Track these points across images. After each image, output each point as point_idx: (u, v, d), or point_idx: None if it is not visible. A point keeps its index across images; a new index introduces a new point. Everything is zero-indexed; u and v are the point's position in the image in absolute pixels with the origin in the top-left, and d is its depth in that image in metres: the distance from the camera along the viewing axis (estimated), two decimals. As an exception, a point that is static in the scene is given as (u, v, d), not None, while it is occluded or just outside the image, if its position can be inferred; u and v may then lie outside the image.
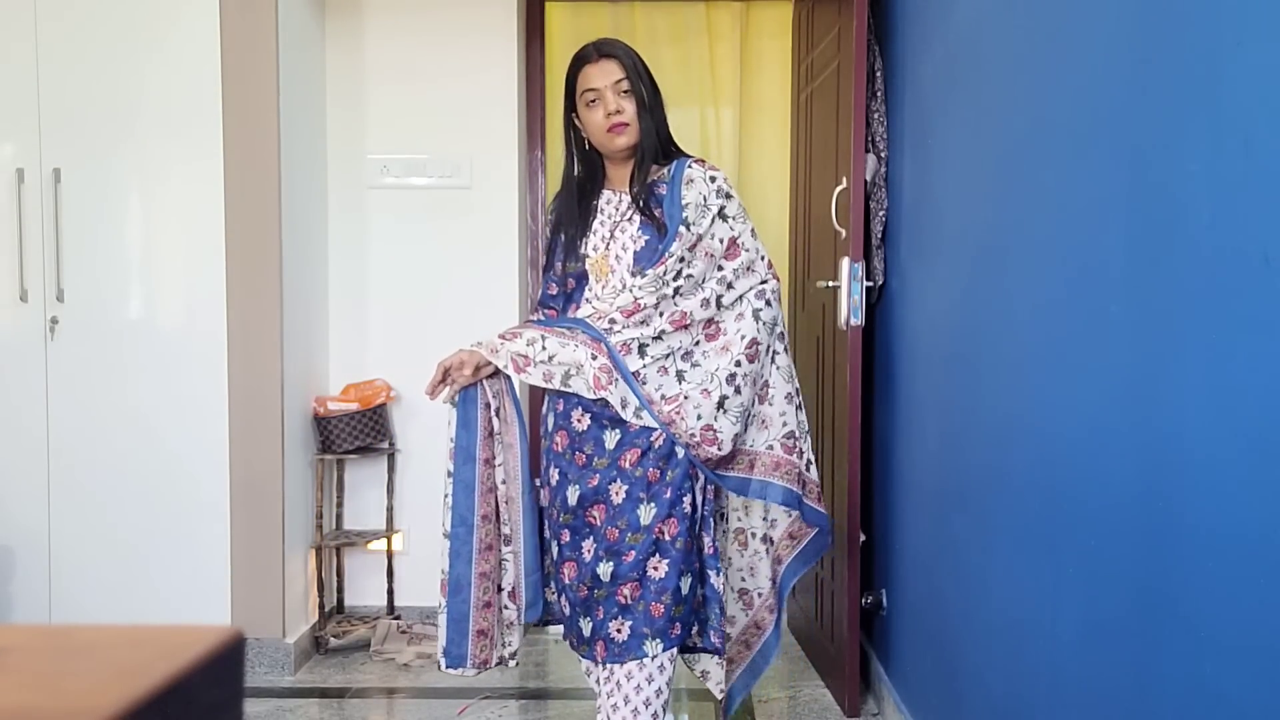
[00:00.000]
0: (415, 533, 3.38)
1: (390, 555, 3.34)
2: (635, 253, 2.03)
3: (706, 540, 2.05)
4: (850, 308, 2.54)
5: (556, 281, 2.16)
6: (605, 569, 1.98)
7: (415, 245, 3.36)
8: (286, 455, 2.96)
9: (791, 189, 3.33)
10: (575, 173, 2.13)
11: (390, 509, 3.33)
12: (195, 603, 2.92)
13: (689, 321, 2.01)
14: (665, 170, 2.08)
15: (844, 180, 2.59)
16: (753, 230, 2.09)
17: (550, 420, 2.08)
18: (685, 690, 2.83)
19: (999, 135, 1.80)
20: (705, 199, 2.03)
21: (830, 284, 2.69)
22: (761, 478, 2.08)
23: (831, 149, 2.75)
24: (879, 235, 2.62)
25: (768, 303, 2.06)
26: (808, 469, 2.12)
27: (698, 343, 2.03)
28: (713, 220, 2.03)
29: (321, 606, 3.21)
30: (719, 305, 2.04)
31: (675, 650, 2.01)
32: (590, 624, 2.00)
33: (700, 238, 2.02)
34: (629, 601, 1.96)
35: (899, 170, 2.53)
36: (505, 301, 3.38)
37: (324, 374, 3.34)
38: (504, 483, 2.07)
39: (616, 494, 1.99)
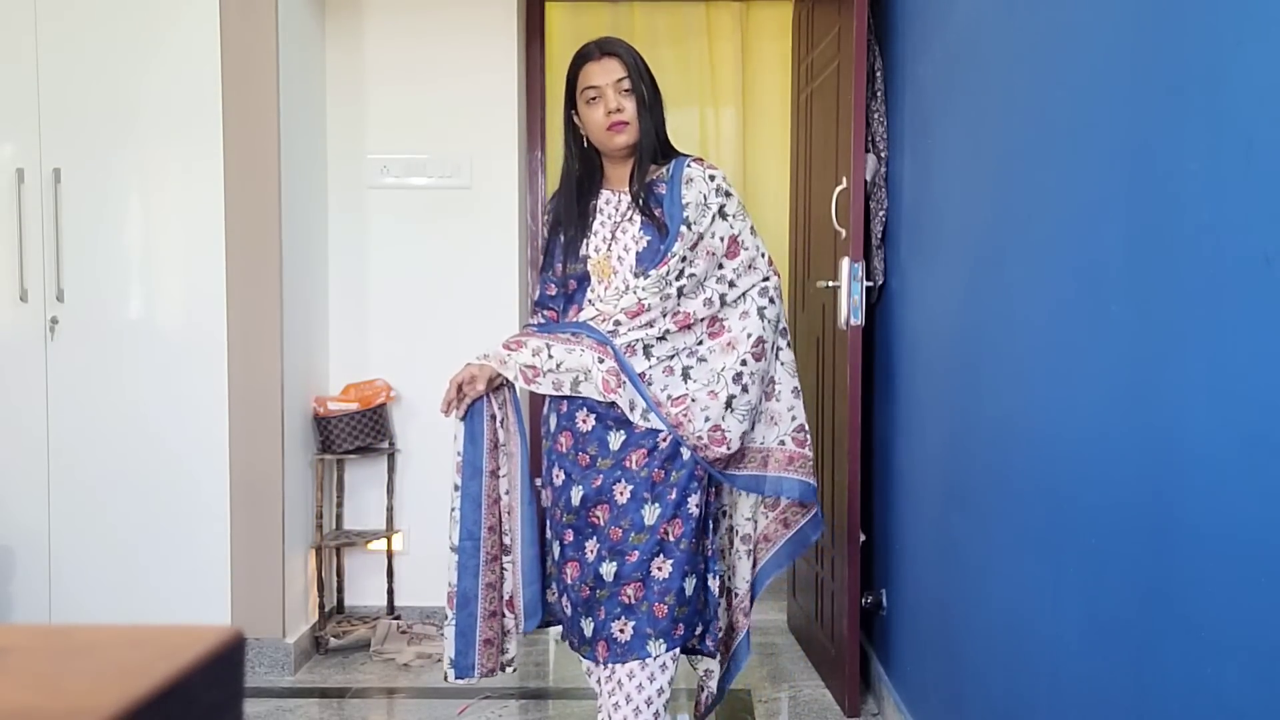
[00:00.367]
0: (415, 533, 3.38)
1: (390, 555, 3.34)
2: (638, 254, 2.03)
3: (707, 542, 2.05)
4: (850, 308, 2.54)
5: (556, 282, 2.15)
6: (608, 569, 1.97)
7: (415, 245, 3.36)
8: (286, 455, 2.96)
9: (791, 189, 3.33)
10: (574, 172, 2.13)
11: (390, 509, 3.33)
12: (195, 603, 2.92)
13: (692, 321, 2.01)
14: (664, 170, 2.07)
15: (844, 180, 2.59)
16: (752, 228, 2.09)
17: (553, 421, 2.08)
18: (685, 690, 2.82)
19: (999, 135, 1.80)
20: (705, 197, 2.03)
21: (830, 284, 2.69)
22: (776, 474, 2.09)
23: (831, 149, 2.75)
24: (879, 235, 2.62)
25: (771, 300, 2.07)
26: None
27: (701, 341, 2.04)
28: (713, 219, 2.03)
29: (321, 606, 3.21)
30: (722, 303, 2.04)
31: (677, 650, 2.01)
32: (592, 624, 2.00)
33: (701, 236, 2.02)
34: (632, 601, 1.96)
35: (899, 170, 2.53)
36: (505, 301, 3.38)
37: (324, 374, 3.34)
38: (507, 493, 2.08)
39: (621, 494, 1.98)
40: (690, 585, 1.99)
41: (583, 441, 2.02)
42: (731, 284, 2.05)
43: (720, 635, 2.13)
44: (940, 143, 2.18)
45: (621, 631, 1.97)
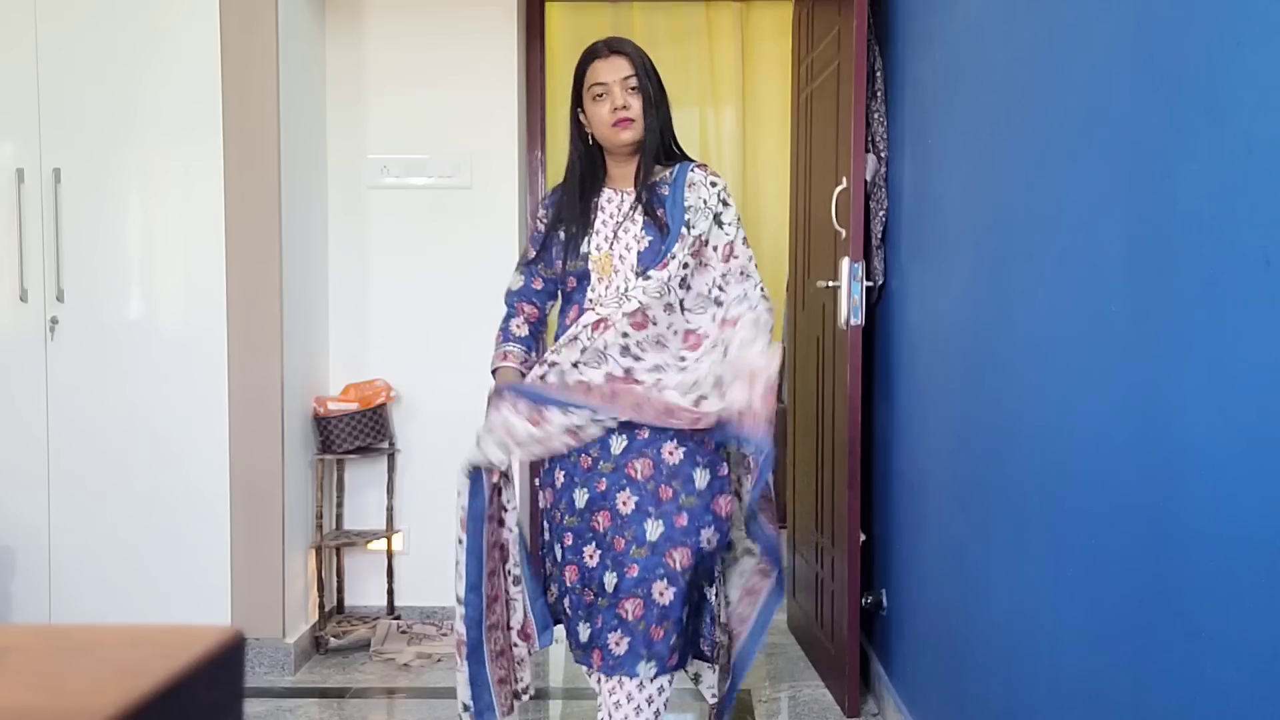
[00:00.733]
0: (415, 533, 3.38)
1: (390, 555, 3.34)
2: (639, 253, 2.03)
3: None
4: (850, 308, 2.54)
5: (547, 280, 2.15)
6: (610, 579, 1.97)
7: (415, 245, 3.36)
8: (286, 455, 2.96)
9: (791, 189, 3.33)
10: (578, 169, 2.13)
11: (390, 509, 3.33)
12: (195, 603, 2.92)
13: (701, 340, 2.02)
14: (668, 172, 2.08)
15: (844, 180, 2.59)
16: (744, 239, 2.11)
17: None
18: (688, 690, 2.82)
19: (999, 135, 1.80)
20: (705, 202, 2.04)
21: (830, 284, 2.69)
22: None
23: (831, 149, 2.75)
24: (879, 235, 2.62)
25: (764, 298, 2.09)
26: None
27: (683, 357, 2.05)
28: (710, 225, 2.04)
29: (321, 606, 3.21)
30: (718, 306, 2.06)
31: (673, 676, 2.01)
32: (589, 630, 2.00)
33: (702, 240, 2.02)
34: (630, 618, 1.95)
35: (899, 170, 2.53)
36: (505, 301, 3.38)
37: (324, 374, 3.34)
38: (513, 529, 2.11)
39: (624, 504, 1.97)
40: (687, 615, 2.00)
41: (583, 444, 2.02)
42: (721, 289, 2.06)
43: (715, 641, 2.13)
44: (940, 143, 2.18)
45: (616, 645, 1.96)
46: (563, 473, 2.05)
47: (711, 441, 2.02)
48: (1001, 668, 1.76)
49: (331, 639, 3.20)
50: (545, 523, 2.12)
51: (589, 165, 2.11)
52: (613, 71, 2.02)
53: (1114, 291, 1.32)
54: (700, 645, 2.08)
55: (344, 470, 3.36)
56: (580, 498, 2.01)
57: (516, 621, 2.13)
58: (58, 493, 2.93)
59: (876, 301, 2.69)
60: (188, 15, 2.86)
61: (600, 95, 2.02)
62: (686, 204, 2.02)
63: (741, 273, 2.07)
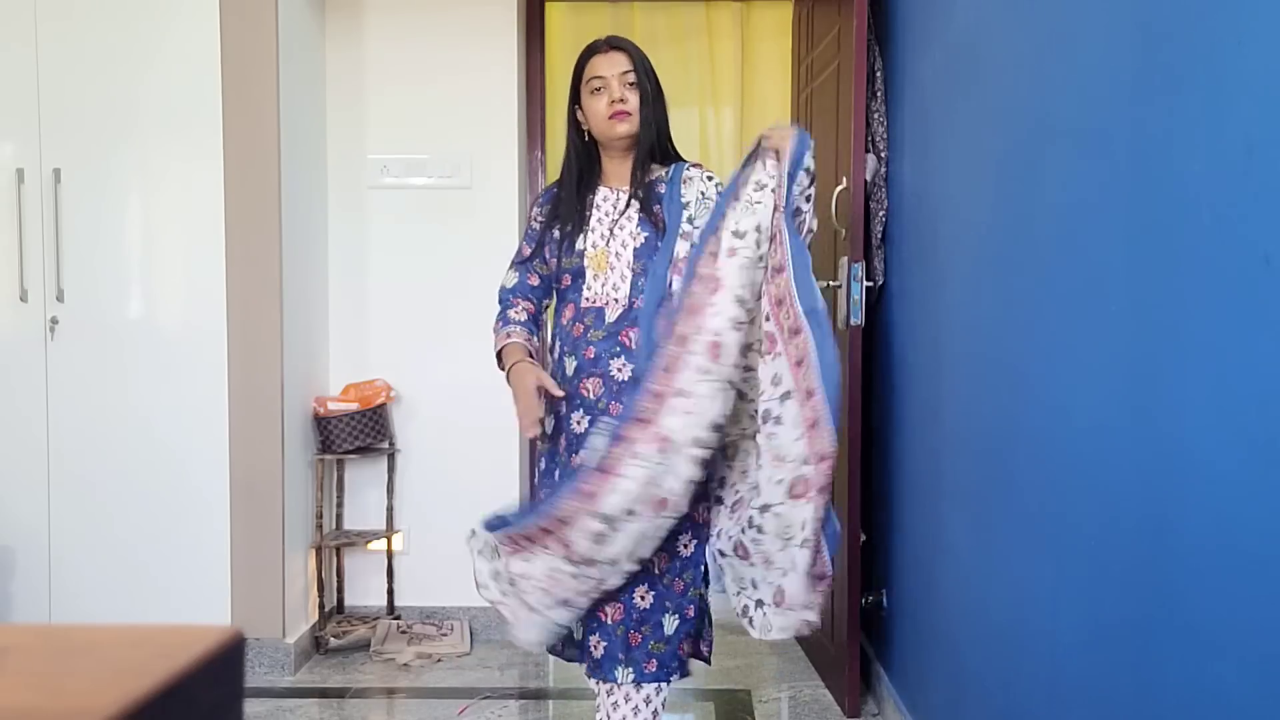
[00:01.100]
0: (415, 533, 3.38)
1: (390, 555, 3.34)
2: (635, 249, 2.03)
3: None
4: (850, 308, 2.54)
5: (543, 276, 2.14)
6: None
7: (415, 245, 3.36)
8: (286, 455, 2.96)
9: (791, 189, 3.32)
10: (574, 167, 2.13)
11: (390, 509, 3.33)
12: (195, 603, 2.92)
13: (720, 351, 1.92)
14: (664, 171, 2.08)
15: (844, 180, 2.59)
16: None
17: (548, 422, 2.05)
18: (691, 690, 2.82)
19: (999, 135, 1.80)
20: (704, 194, 2.05)
21: (830, 284, 2.69)
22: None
23: (831, 149, 2.75)
24: (879, 235, 2.62)
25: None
26: None
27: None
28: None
29: (321, 606, 3.21)
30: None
31: (668, 682, 1.99)
32: (582, 630, 2.01)
33: (711, 231, 2.01)
34: (609, 622, 1.95)
35: (899, 170, 2.53)
36: (505, 301, 3.37)
37: (324, 374, 3.34)
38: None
39: None
40: (671, 625, 1.97)
41: (576, 444, 2.01)
42: None
43: (712, 644, 2.11)
44: (940, 143, 2.18)
45: (595, 648, 1.97)
46: (559, 471, 2.05)
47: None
48: (1001, 668, 1.76)
49: (331, 639, 3.20)
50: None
51: (585, 163, 2.12)
52: (611, 66, 2.04)
53: (1114, 291, 1.32)
54: (701, 646, 2.07)
55: (344, 470, 3.36)
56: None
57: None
58: (58, 493, 2.93)
59: (876, 301, 2.69)
60: (188, 15, 2.86)
61: (598, 89, 2.04)
62: (685, 200, 2.02)
63: None
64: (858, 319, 2.55)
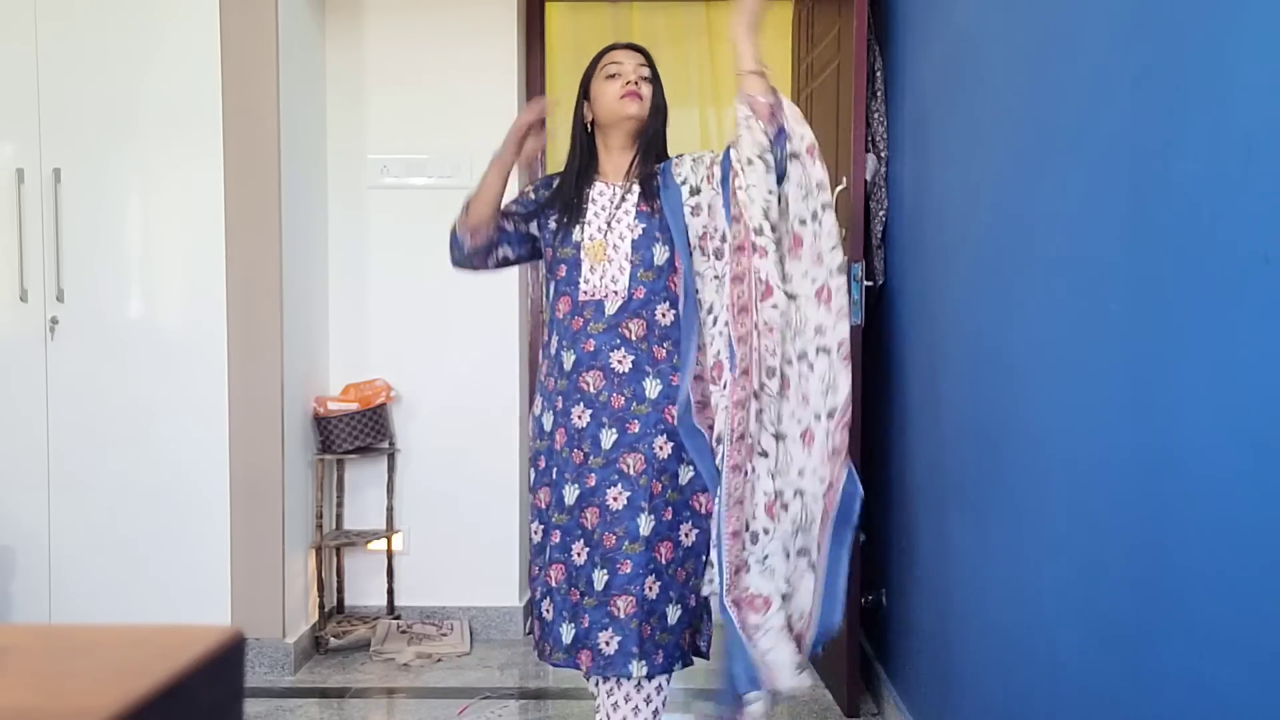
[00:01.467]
0: (415, 533, 3.38)
1: (390, 555, 3.34)
2: (633, 241, 2.04)
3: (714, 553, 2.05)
4: (850, 308, 2.53)
5: (514, 229, 2.21)
6: (600, 576, 1.96)
7: (415, 245, 3.36)
8: (286, 455, 2.96)
9: (791, 189, 3.32)
10: (575, 161, 2.15)
11: (390, 509, 3.33)
12: (195, 603, 2.92)
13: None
14: (657, 168, 2.11)
15: (844, 180, 2.59)
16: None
17: (548, 420, 2.07)
18: (693, 690, 2.82)
19: (999, 135, 1.81)
20: (697, 159, 2.07)
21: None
22: None
23: (831, 149, 2.75)
24: (879, 235, 2.62)
25: None
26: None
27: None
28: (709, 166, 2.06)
29: (321, 606, 3.21)
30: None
31: (669, 675, 2.01)
32: (573, 631, 1.99)
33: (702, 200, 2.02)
34: (621, 615, 1.95)
35: (899, 170, 2.53)
36: (505, 302, 3.37)
37: (324, 374, 3.34)
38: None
39: (615, 500, 1.97)
40: (674, 615, 1.99)
41: (577, 438, 2.01)
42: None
43: (710, 638, 2.11)
44: (940, 143, 2.18)
45: (607, 644, 1.96)
46: (555, 469, 2.05)
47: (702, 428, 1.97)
48: (1000, 667, 1.76)
49: (331, 639, 3.20)
50: (539, 524, 2.11)
51: (585, 157, 2.14)
52: (629, 58, 2.11)
53: (1113, 291, 1.32)
54: (699, 642, 2.07)
55: (344, 470, 3.36)
56: (570, 494, 2.01)
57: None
58: (58, 493, 2.93)
59: (876, 301, 2.69)
60: (188, 15, 2.86)
61: (613, 75, 2.09)
62: (680, 179, 2.04)
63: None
64: (858, 319, 2.55)
